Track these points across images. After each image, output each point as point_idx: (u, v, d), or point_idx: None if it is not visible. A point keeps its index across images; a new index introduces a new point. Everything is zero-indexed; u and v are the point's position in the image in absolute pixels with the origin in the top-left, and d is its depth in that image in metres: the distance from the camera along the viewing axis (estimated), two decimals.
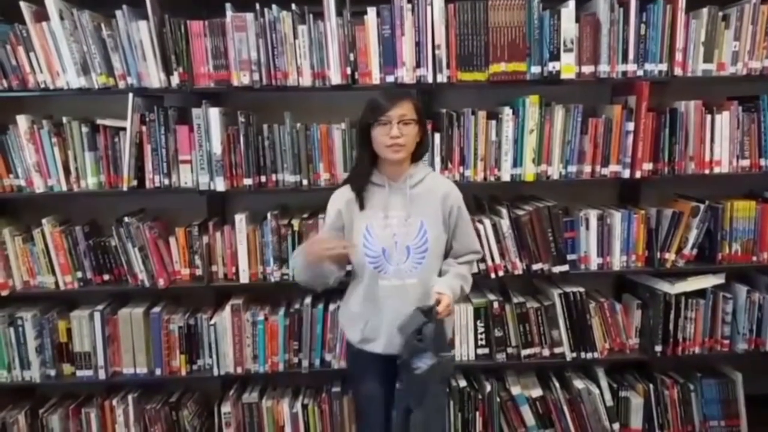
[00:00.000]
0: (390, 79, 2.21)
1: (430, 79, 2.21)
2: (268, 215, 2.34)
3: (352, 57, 2.19)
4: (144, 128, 2.24)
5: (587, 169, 2.32)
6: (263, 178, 2.30)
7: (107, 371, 2.38)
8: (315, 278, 1.80)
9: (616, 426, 2.49)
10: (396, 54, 2.20)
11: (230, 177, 2.27)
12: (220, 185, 2.26)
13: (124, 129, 2.22)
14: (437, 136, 2.26)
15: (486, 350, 2.44)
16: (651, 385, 2.52)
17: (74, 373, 2.40)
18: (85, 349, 2.38)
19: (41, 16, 2.14)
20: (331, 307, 2.40)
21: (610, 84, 2.43)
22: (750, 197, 2.46)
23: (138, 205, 2.48)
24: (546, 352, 2.44)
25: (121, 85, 2.21)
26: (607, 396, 2.48)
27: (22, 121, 2.23)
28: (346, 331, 1.93)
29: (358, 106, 2.26)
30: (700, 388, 2.55)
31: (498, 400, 2.47)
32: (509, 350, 2.44)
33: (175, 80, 2.20)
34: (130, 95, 2.18)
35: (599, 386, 2.49)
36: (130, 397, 2.46)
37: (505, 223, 2.31)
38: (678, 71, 2.24)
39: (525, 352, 2.43)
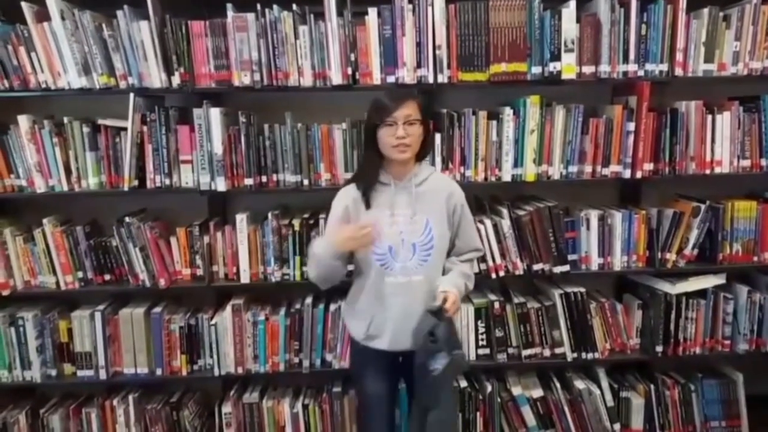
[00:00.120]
0: (391, 79, 2.21)
1: (431, 80, 2.21)
2: (269, 215, 2.34)
3: (353, 57, 2.20)
4: (145, 128, 2.25)
5: (588, 169, 2.32)
6: (264, 178, 2.30)
7: (108, 371, 2.39)
8: (331, 273, 1.79)
9: (617, 426, 2.49)
10: (397, 54, 2.20)
11: (231, 177, 2.27)
12: (221, 185, 2.26)
13: (125, 129, 2.22)
14: (438, 136, 2.26)
15: (487, 350, 2.44)
16: (652, 386, 2.52)
17: (75, 373, 2.41)
18: (85, 349, 2.38)
19: (42, 16, 2.15)
20: (332, 307, 2.40)
21: (611, 84, 2.43)
22: (751, 197, 2.45)
23: (139, 205, 2.48)
24: (547, 353, 2.43)
25: (122, 85, 2.21)
26: (608, 396, 2.48)
27: (24, 121, 2.24)
28: (350, 328, 1.94)
29: (359, 106, 2.27)
30: (700, 389, 2.55)
31: (499, 400, 2.47)
32: (510, 350, 2.44)
33: (176, 80, 2.21)
34: (131, 95, 2.18)
35: (600, 386, 2.49)
36: (130, 397, 2.46)
37: (505, 223, 2.31)
38: (679, 71, 2.24)
39: (526, 352, 2.43)
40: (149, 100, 2.29)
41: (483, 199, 2.52)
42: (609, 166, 2.31)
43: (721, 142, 2.33)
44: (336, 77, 2.19)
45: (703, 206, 2.35)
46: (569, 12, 2.17)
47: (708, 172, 2.34)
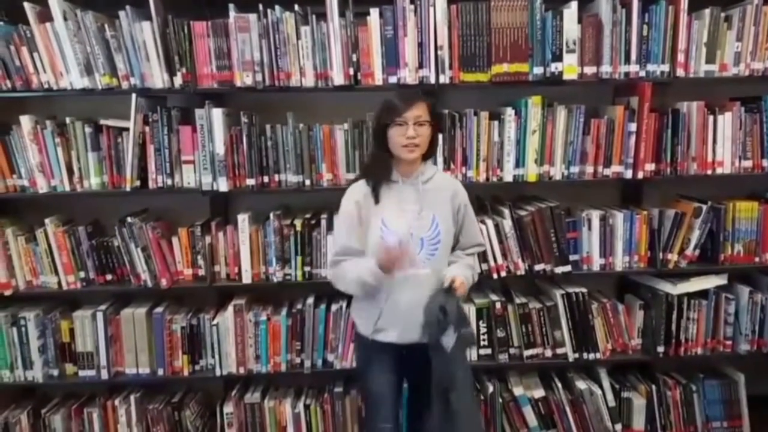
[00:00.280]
0: (392, 79, 2.22)
1: (432, 80, 2.22)
2: (271, 215, 2.34)
3: (354, 58, 2.20)
4: (147, 129, 2.25)
5: (589, 169, 2.32)
6: (266, 179, 2.30)
7: (110, 371, 2.39)
8: (366, 292, 1.84)
9: (619, 427, 2.49)
10: (399, 55, 2.20)
11: (233, 177, 2.27)
12: (222, 185, 2.26)
13: (127, 129, 2.23)
14: (440, 136, 2.25)
15: (488, 351, 2.44)
16: (653, 386, 2.52)
17: (77, 373, 2.41)
18: (87, 349, 2.38)
19: (45, 16, 2.15)
20: (334, 307, 2.41)
21: (613, 85, 2.43)
22: (752, 198, 2.46)
23: (141, 205, 2.48)
24: (548, 353, 2.43)
25: (125, 85, 2.22)
26: (610, 397, 2.48)
27: (26, 121, 2.24)
28: (358, 322, 1.96)
29: (360, 106, 2.29)
30: (702, 389, 2.55)
31: (500, 400, 2.47)
32: (511, 351, 2.44)
33: (178, 81, 2.21)
34: (134, 96, 2.18)
35: (601, 387, 2.49)
36: (132, 397, 2.46)
37: (507, 224, 2.31)
38: (680, 72, 2.25)
39: (527, 352, 2.43)
40: (151, 100, 2.29)
41: (484, 200, 2.52)
42: (610, 167, 2.32)
43: (722, 143, 2.33)
44: (338, 78, 2.20)
45: (704, 207, 2.35)
46: (571, 12, 2.18)
47: (709, 172, 2.34)
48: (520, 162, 2.31)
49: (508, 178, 2.31)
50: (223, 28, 2.18)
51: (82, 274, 2.35)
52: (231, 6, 2.15)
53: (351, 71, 2.20)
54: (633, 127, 2.27)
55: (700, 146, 2.32)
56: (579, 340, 2.42)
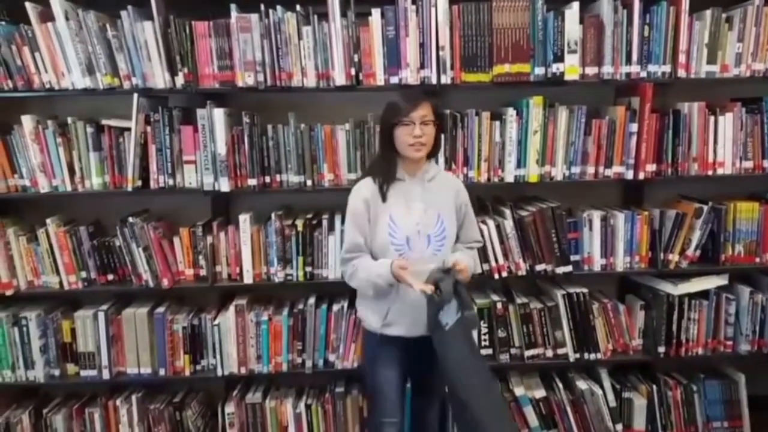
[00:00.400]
0: (394, 80, 2.22)
1: (434, 80, 2.22)
2: (272, 216, 2.34)
3: (356, 58, 2.20)
4: (149, 128, 2.25)
5: (591, 170, 2.32)
6: (267, 179, 2.30)
7: (111, 371, 2.39)
8: (377, 292, 1.88)
9: (619, 427, 2.49)
10: (400, 55, 2.20)
11: (234, 177, 2.27)
12: (224, 185, 2.26)
13: (128, 129, 2.23)
14: (442, 136, 2.26)
15: (489, 351, 2.44)
16: (654, 386, 2.52)
17: (78, 372, 2.41)
18: (89, 349, 2.38)
19: (46, 16, 2.15)
20: (335, 307, 2.41)
21: (614, 85, 2.44)
22: (753, 198, 2.46)
23: (142, 205, 2.48)
24: (549, 353, 2.44)
25: (126, 85, 2.22)
26: (610, 397, 2.48)
27: (27, 121, 2.24)
28: (366, 318, 1.98)
29: (362, 107, 2.29)
30: (703, 389, 2.55)
31: None
32: (512, 351, 2.44)
33: (179, 81, 2.21)
34: (135, 95, 2.18)
35: (602, 387, 2.49)
36: (133, 397, 2.46)
37: (508, 224, 2.31)
38: (681, 73, 2.25)
39: (528, 352, 2.43)
40: (153, 100, 2.29)
41: (486, 200, 2.52)
42: (612, 167, 2.32)
43: (723, 144, 2.33)
44: (339, 78, 2.20)
45: (705, 207, 2.35)
46: (572, 13, 2.18)
47: (710, 173, 2.35)
48: (521, 162, 2.31)
49: (510, 178, 2.32)
50: (224, 28, 2.18)
51: (83, 274, 2.35)
52: (233, 6, 2.15)
53: (352, 71, 2.21)
54: (634, 127, 2.28)
55: (701, 147, 2.33)
56: (580, 340, 2.42)
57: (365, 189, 1.90)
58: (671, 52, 2.24)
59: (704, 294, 2.45)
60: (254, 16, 2.16)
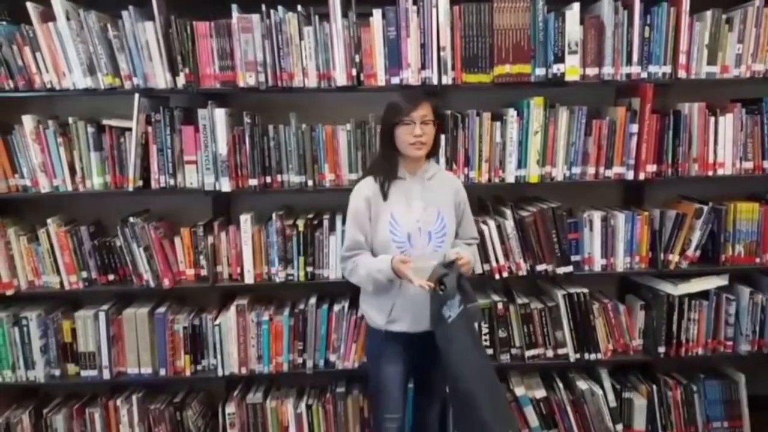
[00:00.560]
0: (395, 80, 2.22)
1: (435, 81, 2.22)
2: (273, 216, 2.34)
3: (357, 58, 2.20)
4: (150, 129, 2.25)
5: (591, 170, 2.33)
6: (268, 179, 2.31)
7: (112, 371, 2.39)
8: (377, 288, 1.90)
9: (620, 427, 2.49)
10: (401, 55, 2.21)
11: (235, 177, 2.27)
12: (225, 186, 2.26)
13: (129, 129, 2.23)
14: (442, 137, 2.26)
15: (490, 351, 2.44)
16: (654, 386, 2.53)
17: (78, 373, 2.40)
18: (89, 349, 2.38)
19: (48, 16, 2.15)
20: (336, 307, 2.41)
21: (614, 86, 2.44)
22: (753, 199, 2.46)
23: (143, 205, 2.48)
24: (550, 353, 2.44)
25: (127, 85, 2.22)
26: (611, 397, 2.49)
27: (28, 121, 2.24)
28: (369, 316, 1.99)
29: (363, 107, 2.29)
30: (703, 390, 2.56)
31: None
32: (513, 351, 2.44)
33: (181, 81, 2.21)
34: (136, 96, 2.18)
35: (602, 387, 2.49)
36: (134, 397, 2.46)
37: (509, 224, 2.32)
38: (682, 73, 2.26)
39: (529, 352, 2.43)
40: (154, 100, 2.29)
41: (486, 200, 2.52)
42: (612, 168, 2.32)
43: (723, 144, 2.34)
44: (340, 78, 2.20)
45: (705, 208, 2.36)
46: (573, 14, 2.18)
47: (710, 173, 2.35)
48: (522, 163, 2.32)
49: (510, 178, 2.32)
50: (226, 29, 2.18)
51: (84, 274, 2.34)
52: (234, 6, 2.15)
53: (354, 72, 2.21)
54: (634, 128, 2.28)
55: (701, 147, 2.33)
56: (580, 340, 2.43)
57: (366, 188, 1.91)
58: (671, 52, 2.25)
59: (704, 294, 2.45)
60: (255, 17, 2.16)
